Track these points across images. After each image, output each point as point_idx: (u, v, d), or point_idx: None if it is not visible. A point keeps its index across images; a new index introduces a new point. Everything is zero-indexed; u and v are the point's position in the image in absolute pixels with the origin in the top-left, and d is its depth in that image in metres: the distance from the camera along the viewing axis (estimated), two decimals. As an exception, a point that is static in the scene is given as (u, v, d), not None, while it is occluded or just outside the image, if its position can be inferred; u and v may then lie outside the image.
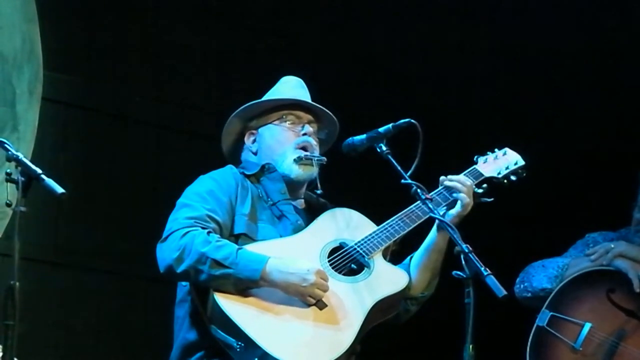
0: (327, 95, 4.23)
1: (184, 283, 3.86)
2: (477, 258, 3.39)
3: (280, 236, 3.91)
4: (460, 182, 3.95)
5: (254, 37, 6.21)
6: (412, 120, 3.85)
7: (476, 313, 3.31)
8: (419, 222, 3.95)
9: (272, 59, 6.03)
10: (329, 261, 3.83)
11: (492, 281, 3.32)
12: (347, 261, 3.85)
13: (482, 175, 4.11)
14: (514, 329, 4.89)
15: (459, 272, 3.38)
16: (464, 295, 3.35)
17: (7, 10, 5.34)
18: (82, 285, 5.58)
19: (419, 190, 3.74)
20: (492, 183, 4.13)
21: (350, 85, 6.40)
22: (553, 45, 6.33)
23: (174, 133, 6.00)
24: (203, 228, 3.74)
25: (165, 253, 3.72)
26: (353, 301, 3.76)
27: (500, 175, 4.16)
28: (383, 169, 3.81)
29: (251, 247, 3.76)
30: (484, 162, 4.17)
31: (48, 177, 3.31)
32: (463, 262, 3.39)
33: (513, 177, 4.19)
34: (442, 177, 4.00)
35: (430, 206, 3.74)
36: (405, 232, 3.93)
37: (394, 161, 3.79)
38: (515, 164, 4.22)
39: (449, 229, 3.59)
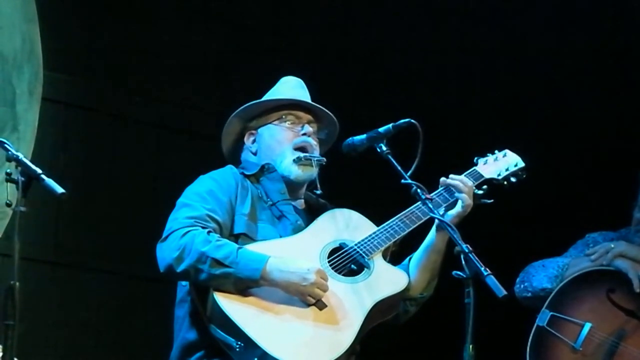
0: (327, 95, 4.23)
1: (183, 283, 3.86)
2: (477, 258, 3.39)
3: (280, 236, 3.91)
4: (462, 182, 3.95)
5: (254, 37, 6.21)
6: (412, 120, 3.85)
7: (476, 313, 3.31)
8: (419, 223, 3.95)
9: (272, 59, 6.03)
10: (329, 261, 3.83)
11: (492, 281, 3.32)
12: (347, 262, 3.85)
13: (482, 176, 4.11)
14: (514, 329, 4.89)
15: (459, 272, 3.38)
16: (464, 295, 3.35)
17: (7, 10, 5.34)
18: (82, 285, 5.58)
19: (419, 190, 3.74)
20: (492, 184, 4.13)
21: (350, 85, 6.40)
22: (553, 45, 6.33)
23: (174, 133, 6.00)
24: (203, 228, 3.74)
25: (165, 252, 3.72)
26: (353, 301, 3.76)
27: (500, 177, 4.17)
28: (383, 169, 3.81)
29: (251, 247, 3.76)
30: (484, 164, 4.17)
31: (48, 177, 3.31)
32: (463, 262, 3.39)
33: (513, 179, 4.20)
34: (442, 179, 4.00)
35: (430, 206, 3.74)
36: (406, 232, 3.94)
37: (394, 161, 3.79)
38: (515, 165, 4.22)
39: (449, 229, 3.59)
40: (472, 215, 3.97)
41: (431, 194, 3.87)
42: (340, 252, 3.87)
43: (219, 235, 3.76)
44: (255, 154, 4.11)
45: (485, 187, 4.10)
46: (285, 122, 4.08)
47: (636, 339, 4.75)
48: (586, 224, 5.21)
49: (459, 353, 3.34)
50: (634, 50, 6.20)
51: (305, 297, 3.69)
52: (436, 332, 5.76)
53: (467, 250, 3.41)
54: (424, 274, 3.99)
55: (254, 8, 6.22)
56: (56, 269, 5.51)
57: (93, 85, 5.72)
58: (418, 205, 3.93)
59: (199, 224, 3.75)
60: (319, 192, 4.10)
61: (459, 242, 3.46)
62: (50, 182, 3.30)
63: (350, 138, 3.99)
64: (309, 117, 4.11)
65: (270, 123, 4.09)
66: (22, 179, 3.30)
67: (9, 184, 3.32)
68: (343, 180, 4.90)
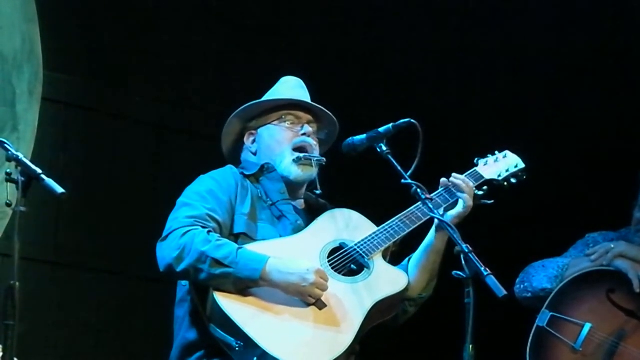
0: (327, 95, 4.23)
1: (183, 283, 3.86)
2: (477, 258, 3.39)
3: (280, 236, 3.91)
4: (464, 182, 3.96)
5: (254, 37, 6.21)
6: (412, 120, 3.86)
7: (476, 313, 3.31)
8: (419, 223, 3.95)
9: (272, 59, 6.03)
10: (328, 261, 3.84)
11: (492, 281, 3.32)
12: (347, 262, 3.86)
13: (483, 177, 4.11)
14: (514, 329, 4.89)
15: (459, 272, 3.38)
16: (464, 295, 3.35)
17: (7, 10, 5.34)
18: (82, 285, 5.58)
19: (419, 190, 3.74)
20: (492, 185, 4.13)
21: (350, 85, 6.40)
22: (553, 45, 6.33)
23: (174, 133, 6.00)
24: (203, 227, 3.74)
25: (165, 252, 3.72)
26: (353, 301, 3.76)
27: (500, 178, 4.17)
28: (383, 169, 3.81)
29: (251, 247, 3.77)
30: (485, 165, 4.17)
31: (48, 177, 3.31)
32: (463, 262, 3.39)
33: (513, 180, 4.20)
34: (443, 179, 4.00)
35: (430, 206, 3.74)
36: (406, 233, 3.94)
37: (394, 161, 3.80)
38: (516, 166, 4.23)
39: (449, 229, 3.59)
40: (472, 215, 3.97)
41: (431, 194, 3.87)
42: (340, 252, 3.87)
43: (219, 235, 3.76)
44: (255, 154, 4.11)
45: (485, 187, 4.10)
46: (284, 122, 4.08)
47: (636, 339, 4.75)
48: (586, 224, 5.21)
49: (459, 353, 3.34)
50: (634, 50, 6.19)
51: (305, 297, 3.69)
52: (436, 332, 5.76)
53: (467, 250, 3.41)
54: (423, 275, 3.99)
55: (254, 8, 6.22)
56: (56, 269, 5.51)
57: (93, 85, 5.72)
58: (418, 205, 3.93)
59: (199, 224, 3.75)
60: (318, 192, 4.10)
61: (459, 242, 3.46)
62: (50, 182, 3.30)
63: (350, 138, 3.99)
64: (309, 117, 4.11)
65: (270, 123, 4.09)
66: (22, 179, 3.30)
67: (9, 184, 3.32)
68: (343, 180, 4.90)
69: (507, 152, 4.26)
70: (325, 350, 3.64)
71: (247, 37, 6.20)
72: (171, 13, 5.97)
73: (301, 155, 4.01)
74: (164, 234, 3.77)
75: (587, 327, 4.74)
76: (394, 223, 3.95)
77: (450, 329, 3.71)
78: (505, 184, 4.18)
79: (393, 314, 3.93)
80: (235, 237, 3.84)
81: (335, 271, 3.82)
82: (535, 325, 4.79)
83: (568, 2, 6.18)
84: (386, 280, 3.86)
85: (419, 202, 3.87)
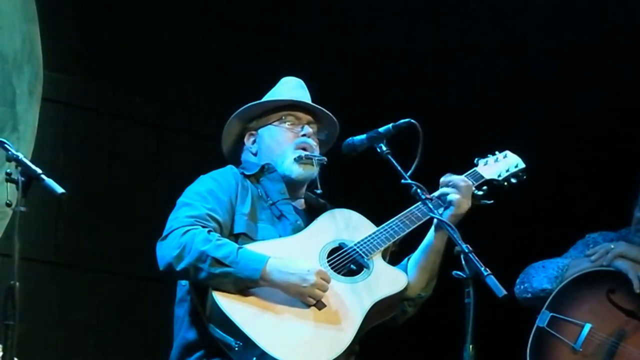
0: (327, 96, 4.23)
1: (183, 283, 3.86)
2: (477, 258, 3.39)
3: (280, 236, 3.91)
4: (453, 183, 3.95)
5: (254, 37, 6.21)
6: (412, 120, 3.86)
7: (476, 313, 3.31)
8: (419, 223, 3.95)
9: (272, 59, 6.03)
10: (328, 261, 3.84)
11: (492, 281, 3.32)
12: (346, 262, 3.86)
13: (483, 177, 4.11)
14: (514, 329, 4.89)
15: (459, 272, 3.38)
16: (464, 295, 3.35)
17: (7, 10, 5.34)
18: (82, 285, 5.58)
19: (419, 190, 3.74)
20: (492, 185, 4.13)
21: (350, 85, 6.40)
22: (553, 45, 6.33)
23: (174, 133, 6.01)
24: (203, 227, 3.74)
25: (165, 251, 3.72)
26: (352, 301, 3.76)
27: (500, 178, 4.17)
28: (383, 169, 3.81)
29: (251, 247, 3.77)
30: (484, 165, 4.17)
31: (48, 177, 3.31)
32: (463, 262, 3.39)
33: (513, 180, 4.20)
34: (443, 178, 4.00)
35: (430, 206, 3.74)
36: (405, 233, 3.94)
37: (394, 161, 3.79)
38: (516, 166, 4.23)
39: (449, 229, 3.59)
40: (472, 215, 3.97)
41: (431, 194, 3.87)
42: (340, 252, 3.88)
43: (219, 235, 3.76)
44: (255, 154, 4.11)
45: (485, 187, 4.10)
46: (285, 122, 4.08)
47: (636, 339, 4.74)
48: (586, 224, 5.21)
49: (459, 353, 3.34)
50: (634, 50, 6.19)
51: (305, 298, 3.69)
52: (436, 332, 5.76)
53: (467, 250, 3.41)
54: (422, 274, 3.99)
55: (254, 8, 6.22)
56: (56, 269, 5.51)
57: (93, 85, 5.72)
58: (418, 205, 3.93)
59: (200, 223, 3.75)
60: (319, 191, 4.10)
61: (459, 242, 3.45)
62: (50, 182, 3.30)
63: (350, 138, 3.99)
64: (309, 118, 4.11)
65: (270, 124, 4.09)
66: (22, 179, 3.30)
67: (9, 184, 3.32)
68: (343, 180, 4.90)
69: (507, 152, 4.26)
70: (325, 350, 3.64)
71: (248, 37, 6.20)
72: (171, 13, 5.97)
73: (303, 154, 4.01)
74: (164, 233, 3.77)
75: (587, 327, 4.73)
76: (394, 223, 3.95)
77: (450, 329, 3.71)
78: (505, 184, 4.18)
79: (392, 314, 3.92)
80: (235, 237, 3.84)
81: (335, 271, 3.82)
82: (535, 326, 4.79)
83: (568, 2, 6.18)
84: (386, 280, 3.86)
85: (419, 202, 3.88)
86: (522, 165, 4.24)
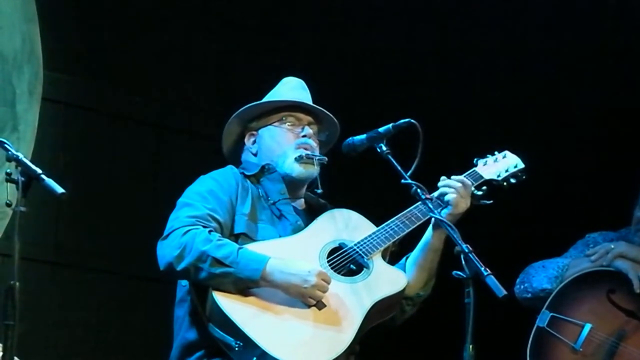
0: (327, 96, 4.23)
1: (183, 283, 3.86)
2: (477, 258, 3.39)
3: (280, 236, 3.91)
4: (449, 185, 3.94)
5: (254, 37, 6.21)
6: (412, 120, 3.86)
7: (476, 313, 3.31)
8: (419, 223, 3.96)
9: (272, 59, 6.03)
10: (328, 261, 3.84)
11: (492, 281, 3.32)
12: (346, 262, 3.86)
13: (482, 177, 4.11)
14: (514, 329, 4.88)
15: (459, 272, 3.38)
16: (464, 295, 3.35)
17: (7, 10, 5.34)
18: (82, 285, 5.58)
19: (419, 190, 3.74)
20: (491, 185, 4.13)
21: (350, 85, 6.40)
22: (553, 45, 6.33)
23: (174, 133, 6.00)
24: (204, 227, 3.74)
25: (166, 250, 3.72)
26: (352, 301, 3.76)
27: (500, 178, 4.17)
28: (383, 169, 3.81)
29: (251, 247, 3.77)
30: (484, 165, 4.17)
31: (48, 177, 3.31)
32: (463, 262, 3.39)
33: (513, 180, 4.20)
34: (442, 178, 4.00)
35: (430, 206, 3.74)
36: (405, 233, 3.94)
37: (394, 161, 3.80)
38: (515, 166, 4.23)
39: (449, 228, 3.58)
40: (472, 215, 3.97)
41: (431, 194, 3.87)
42: (340, 252, 3.88)
43: (219, 235, 3.76)
44: (255, 154, 4.11)
45: (484, 188, 4.10)
46: (285, 123, 4.08)
47: (636, 339, 4.74)
48: (586, 224, 5.21)
49: (459, 353, 3.34)
50: (634, 50, 6.19)
51: (306, 298, 3.69)
52: (436, 332, 5.76)
53: (467, 250, 3.41)
54: (421, 274, 3.99)
55: (254, 8, 6.22)
56: (56, 269, 5.51)
57: (93, 85, 5.72)
58: (418, 205, 3.93)
59: (200, 223, 3.75)
60: (319, 191, 4.10)
61: (459, 242, 3.45)
62: (50, 182, 3.30)
63: (350, 138, 3.99)
64: (310, 118, 4.11)
65: (270, 124, 4.09)
66: (22, 179, 3.30)
67: (9, 184, 3.32)
68: (343, 180, 4.90)
69: (507, 152, 4.26)
70: (325, 350, 3.64)
71: (248, 37, 6.19)
72: (171, 13, 5.97)
73: (304, 153, 4.01)
74: (165, 233, 3.77)
75: (587, 327, 4.73)
76: (394, 223, 3.95)
77: (450, 329, 3.71)
78: (505, 184, 4.18)
79: (392, 314, 3.92)
80: (236, 237, 3.84)
81: (335, 271, 3.82)
82: (535, 326, 4.79)
83: (568, 2, 6.18)
84: (385, 280, 3.86)
85: (419, 202, 3.88)
86: (521, 165, 4.24)
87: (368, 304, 3.77)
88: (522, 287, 4.94)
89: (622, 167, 5.21)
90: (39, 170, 3.31)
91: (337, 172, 4.13)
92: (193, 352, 3.78)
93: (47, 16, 5.47)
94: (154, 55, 5.90)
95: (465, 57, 6.45)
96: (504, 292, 3.31)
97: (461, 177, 4.00)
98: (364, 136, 3.93)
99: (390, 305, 3.88)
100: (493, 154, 4.24)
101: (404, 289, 3.90)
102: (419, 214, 3.95)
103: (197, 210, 3.79)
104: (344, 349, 3.66)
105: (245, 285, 3.68)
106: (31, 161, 3.34)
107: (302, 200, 4.12)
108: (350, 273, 3.85)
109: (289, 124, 4.08)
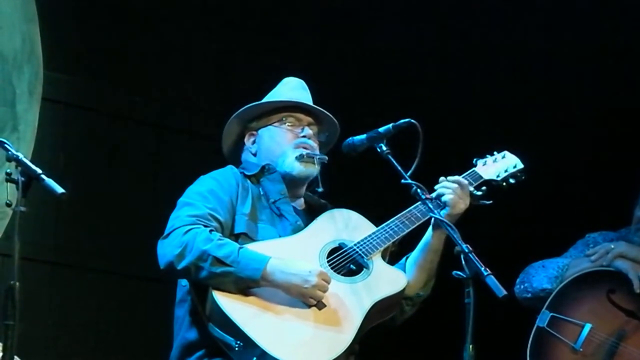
0: (327, 96, 4.23)
1: (183, 283, 3.86)
2: (477, 258, 3.39)
3: (280, 236, 3.91)
4: (446, 186, 3.94)
5: (254, 37, 6.21)
6: (412, 120, 3.86)
7: (476, 313, 3.31)
8: (419, 223, 3.96)
9: (272, 59, 6.03)
10: (328, 261, 3.84)
11: (492, 281, 3.32)
12: (346, 262, 3.86)
13: (481, 177, 4.11)
14: (514, 329, 4.89)
15: (459, 272, 3.38)
16: (464, 295, 3.35)
17: (7, 10, 5.34)
18: (82, 285, 5.58)
19: (419, 190, 3.74)
20: (491, 186, 4.13)
21: (350, 85, 6.40)
22: (553, 45, 6.33)
23: (174, 133, 6.00)
24: (205, 226, 3.74)
25: (167, 249, 3.72)
26: (352, 302, 3.76)
27: (499, 178, 4.17)
28: (383, 169, 3.81)
29: (251, 247, 3.77)
30: (483, 165, 4.17)
31: (48, 177, 3.31)
32: (463, 262, 3.39)
33: (512, 180, 4.20)
34: (441, 178, 4.00)
35: (430, 206, 3.74)
36: (405, 233, 3.94)
37: (394, 161, 3.80)
38: (514, 167, 4.22)
39: (449, 229, 3.58)
40: (471, 215, 3.97)
41: (431, 194, 3.87)
42: (340, 252, 3.88)
43: (220, 234, 3.76)
44: (255, 154, 4.11)
45: (484, 188, 4.10)
46: (285, 124, 4.08)
47: (636, 339, 4.74)
48: (586, 224, 5.21)
49: (459, 353, 3.34)
50: (634, 50, 6.19)
51: (307, 298, 3.69)
52: (436, 332, 5.76)
53: (467, 250, 3.41)
54: (420, 274, 3.99)
55: (254, 8, 6.22)
56: (56, 269, 5.51)
57: (93, 85, 5.72)
58: (418, 205, 3.93)
59: (201, 223, 3.75)
60: (320, 189, 4.10)
61: (459, 242, 3.45)
62: (50, 182, 3.30)
63: (350, 138, 3.99)
64: (309, 119, 4.11)
65: (270, 125, 4.09)
66: (22, 179, 3.30)
67: (9, 184, 3.32)
68: (343, 180, 4.90)
69: (506, 153, 4.26)
70: (325, 350, 3.64)
71: (248, 37, 6.19)
72: (171, 13, 5.97)
73: (304, 152, 4.01)
74: (166, 232, 3.77)
75: (587, 327, 4.73)
76: (394, 223, 3.95)
77: (450, 329, 3.71)
78: (504, 184, 4.18)
79: (392, 314, 3.92)
80: (236, 237, 3.84)
81: (335, 271, 3.82)
82: (535, 326, 4.79)
83: (568, 2, 6.18)
84: (385, 280, 3.86)
85: (419, 202, 3.88)
86: (520, 165, 4.24)
87: (368, 304, 3.77)
88: (522, 287, 4.94)
89: (622, 167, 5.21)
90: (39, 170, 3.31)
91: (337, 172, 4.13)
92: (193, 352, 3.78)
93: (47, 16, 5.47)
94: (154, 55, 5.90)
95: (465, 57, 6.45)
96: (504, 292, 3.31)
97: (457, 178, 4.00)
98: (364, 136, 3.93)
99: (390, 306, 3.88)
100: (492, 154, 4.24)
101: (404, 289, 3.90)
102: (418, 214, 3.95)
103: (198, 210, 3.79)
104: (344, 349, 3.66)
105: (246, 285, 3.68)
106: (31, 161, 3.34)
107: (302, 200, 4.12)
108: (350, 273, 3.85)
109: (289, 124, 4.08)
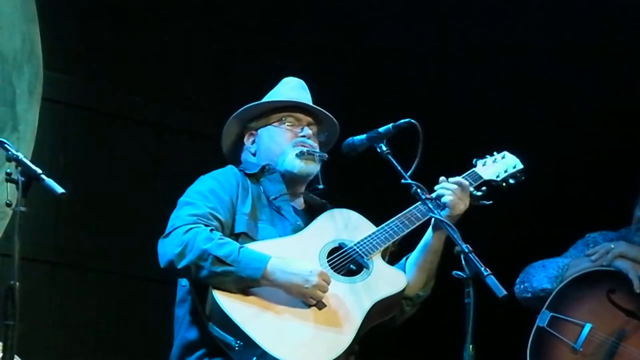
0: (327, 96, 4.23)
1: (183, 283, 3.86)
2: (477, 258, 3.39)
3: (280, 236, 3.91)
4: (446, 187, 3.94)
5: (254, 37, 6.21)
6: (412, 120, 3.85)
7: (476, 313, 3.31)
8: (418, 223, 3.96)
9: (272, 59, 6.03)
10: (328, 261, 3.84)
11: (492, 281, 3.32)
12: (346, 262, 3.86)
13: (481, 178, 4.11)
14: (514, 329, 4.89)
15: (459, 272, 3.38)
16: (464, 295, 3.35)
17: (7, 10, 5.34)
18: (82, 285, 5.58)
19: (419, 190, 3.74)
20: (490, 186, 4.13)
21: (350, 85, 6.40)
22: (553, 45, 6.33)
23: (174, 133, 6.01)
24: (206, 225, 3.74)
25: (167, 248, 3.72)
26: (352, 302, 3.76)
27: (499, 179, 4.17)
28: (383, 169, 3.81)
29: (251, 246, 3.76)
30: (483, 165, 4.17)
31: (48, 177, 3.31)
32: (463, 262, 3.38)
33: (512, 181, 4.20)
34: (441, 178, 4.00)
35: (430, 206, 3.74)
36: (405, 233, 3.94)
37: (394, 161, 3.79)
38: (514, 167, 4.22)
39: (449, 229, 3.58)
40: (471, 216, 3.97)
41: (431, 194, 3.87)
42: (340, 252, 3.88)
43: (221, 234, 3.76)
44: (254, 154, 4.11)
45: (484, 188, 4.09)
46: (284, 123, 4.07)
47: (636, 339, 4.74)
48: (586, 224, 5.21)
49: (459, 353, 3.34)
50: (634, 50, 6.19)
51: (307, 298, 3.69)
52: (436, 332, 5.76)
53: (467, 250, 3.41)
54: (420, 274, 3.99)
55: (254, 8, 6.22)
56: (56, 269, 5.51)
57: (93, 85, 5.72)
58: (418, 205, 3.93)
59: (202, 222, 3.75)
60: (321, 187, 4.11)
61: (459, 242, 3.45)
62: (50, 182, 3.30)
63: (350, 138, 3.99)
64: (309, 119, 4.11)
65: (270, 124, 4.09)
66: (22, 179, 3.30)
67: (9, 184, 3.32)
68: (343, 180, 4.90)
69: (506, 153, 4.26)
70: (325, 350, 3.64)
71: (248, 37, 6.19)
72: (171, 13, 5.97)
73: (304, 149, 4.01)
74: (166, 231, 3.77)
75: (587, 327, 4.73)
76: (393, 223, 3.95)
77: (450, 329, 3.71)
78: (504, 184, 4.18)
79: (392, 314, 3.92)
80: (236, 237, 3.84)
81: (335, 271, 3.82)
82: (535, 326, 4.79)
83: (568, 2, 6.18)
84: (385, 280, 3.86)
85: (419, 202, 3.88)
86: (520, 166, 4.24)
87: (368, 304, 3.77)
88: (522, 286, 4.94)
89: (622, 167, 5.21)
90: (39, 170, 3.31)
91: (337, 172, 4.13)
92: (193, 352, 3.78)
93: (47, 16, 5.47)
94: (154, 55, 5.90)
95: (465, 57, 6.45)
96: (504, 292, 3.31)
97: (458, 179, 3.99)
98: (364, 136, 3.93)
99: (390, 306, 3.88)
100: (492, 155, 4.24)
101: (404, 290, 3.90)
102: (418, 214, 3.95)
103: (199, 209, 3.79)
104: (344, 349, 3.66)
105: (246, 284, 3.68)
106: (31, 161, 3.34)
107: (302, 199, 4.12)
108: (350, 273, 3.85)
109: (289, 124, 4.08)
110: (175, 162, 5.85)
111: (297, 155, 3.99)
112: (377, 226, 3.97)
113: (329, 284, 3.71)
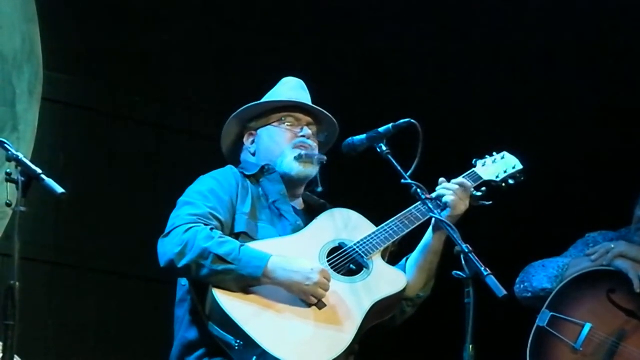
0: (327, 96, 4.23)
1: (183, 282, 3.86)
2: (477, 258, 3.39)
3: (280, 236, 3.91)
4: (447, 187, 3.94)
5: (254, 37, 6.21)
6: (412, 120, 3.85)
7: (476, 313, 3.31)
8: (419, 223, 3.96)
9: (272, 59, 6.03)
10: (328, 261, 3.84)
11: (492, 281, 3.32)
12: (346, 261, 3.86)
13: (481, 178, 4.11)
14: (514, 329, 4.89)
15: (459, 272, 3.38)
16: (464, 295, 3.35)
17: (7, 10, 5.34)
18: (82, 285, 5.58)
19: (419, 190, 3.74)
20: (490, 186, 4.13)
21: (350, 85, 6.40)
22: (553, 45, 6.33)
23: (174, 133, 6.00)
24: (206, 225, 3.74)
25: (167, 247, 3.72)
26: (352, 301, 3.76)
27: (498, 179, 4.17)
28: (383, 169, 3.81)
29: (252, 245, 3.76)
30: (483, 166, 4.17)
31: (48, 177, 3.31)
32: (463, 262, 3.38)
33: (511, 181, 4.20)
34: (441, 179, 4.00)
35: (430, 206, 3.74)
36: (405, 233, 3.94)
37: (394, 161, 3.79)
38: (514, 167, 4.22)
39: (449, 229, 3.58)
40: (471, 216, 3.97)
41: (431, 194, 3.87)
42: (340, 251, 3.88)
43: (221, 233, 3.76)
44: (254, 154, 4.11)
45: (484, 188, 4.10)
46: (284, 123, 4.08)
47: (636, 339, 4.75)
48: (586, 224, 5.21)
49: (459, 353, 3.34)
50: (634, 50, 6.19)
51: (308, 297, 3.69)
52: (436, 332, 5.76)
53: (467, 250, 3.41)
54: (421, 275, 3.99)
55: (254, 8, 6.22)
56: (56, 269, 5.51)
57: (93, 85, 5.72)
58: (418, 205, 3.93)
59: (202, 221, 3.75)
60: (320, 189, 4.11)
61: (459, 242, 3.45)
62: (50, 182, 3.30)
63: (350, 138, 3.99)
64: (309, 119, 4.11)
65: (269, 124, 4.09)
66: (22, 179, 3.30)
67: (9, 184, 3.32)
68: (343, 180, 4.90)
69: (505, 153, 4.26)
70: (325, 349, 3.64)
71: (248, 37, 6.19)
72: (171, 13, 5.97)
73: (303, 152, 4.01)
74: (167, 231, 3.77)
75: (588, 327, 4.74)
76: (393, 223, 3.95)
77: (450, 329, 3.71)
78: (504, 185, 4.18)
79: (392, 314, 3.92)
80: (236, 236, 3.84)
81: (335, 271, 3.82)
82: (535, 325, 4.79)
83: (568, 2, 6.18)
84: (385, 280, 3.86)
85: (419, 202, 3.88)
86: (519, 166, 4.24)
87: (368, 304, 3.77)
88: (522, 286, 4.94)
89: (622, 167, 5.21)
90: (39, 170, 3.31)
91: (337, 172, 4.13)
92: (193, 351, 3.78)
93: (47, 16, 5.47)
94: (154, 55, 5.90)
95: (465, 57, 6.45)
96: (504, 292, 3.31)
97: (459, 180, 4.00)
98: (364, 136, 3.93)
99: (390, 306, 3.88)
100: (492, 155, 4.24)
101: (404, 290, 3.90)
102: (418, 214, 3.95)
103: (198, 209, 3.80)
104: (344, 349, 3.66)
105: (247, 283, 3.68)
106: (31, 161, 3.34)
107: (301, 200, 4.12)
108: (350, 273, 3.85)
109: (288, 124, 4.08)
110: (175, 162, 5.85)
111: (295, 158, 4.00)
112: (377, 226, 3.97)
113: (329, 281, 3.71)
